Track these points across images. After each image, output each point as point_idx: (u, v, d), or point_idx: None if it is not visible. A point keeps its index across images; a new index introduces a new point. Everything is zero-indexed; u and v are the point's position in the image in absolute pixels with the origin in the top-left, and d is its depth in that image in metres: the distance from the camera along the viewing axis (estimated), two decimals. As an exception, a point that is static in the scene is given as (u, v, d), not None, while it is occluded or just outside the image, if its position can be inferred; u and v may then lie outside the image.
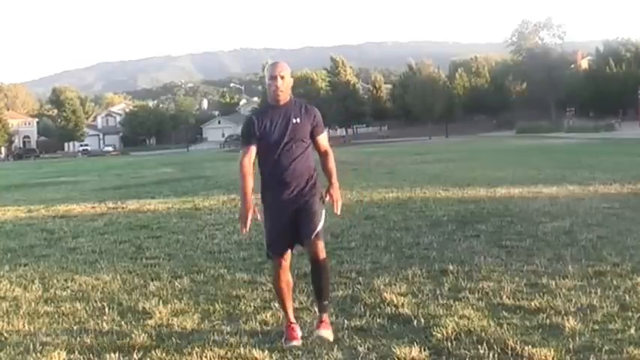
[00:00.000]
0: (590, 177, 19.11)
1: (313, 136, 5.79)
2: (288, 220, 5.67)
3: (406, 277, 7.80)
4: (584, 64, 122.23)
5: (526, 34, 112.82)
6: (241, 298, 7.25)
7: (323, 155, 5.91)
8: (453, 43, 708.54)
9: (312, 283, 5.99)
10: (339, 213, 5.87)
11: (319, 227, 5.65)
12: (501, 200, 14.75)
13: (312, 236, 5.61)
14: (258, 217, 5.79)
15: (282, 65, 5.77)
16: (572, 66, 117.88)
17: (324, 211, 5.77)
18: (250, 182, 5.73)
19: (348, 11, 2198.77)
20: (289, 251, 5.80)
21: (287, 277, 5.84)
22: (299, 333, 5.78)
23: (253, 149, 5.73)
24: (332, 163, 5.90)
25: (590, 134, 65.63)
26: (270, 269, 8.33)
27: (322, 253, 5.69)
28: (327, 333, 5.65)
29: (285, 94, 5.70)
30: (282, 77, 5.66)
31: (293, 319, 5.87)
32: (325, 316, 5.83)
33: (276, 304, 6.56)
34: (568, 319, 5.80)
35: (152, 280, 8.38)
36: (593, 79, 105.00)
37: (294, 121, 5.66)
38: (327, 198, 5.81)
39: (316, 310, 6.01)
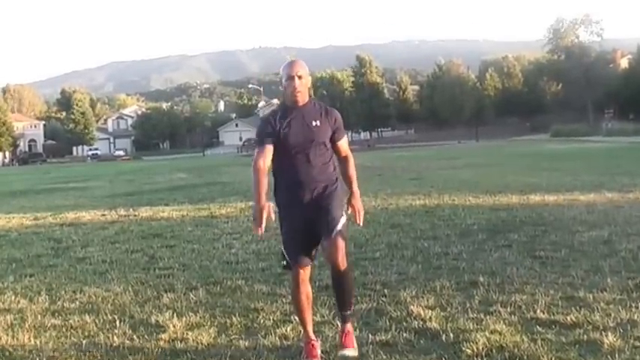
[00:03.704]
0: (631, 183, 19.02)
1: (333, 141, 5.74)
2: (303, 224, 5.58)
3: (434, 289, 7.79)
4: (623, 63, 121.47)
5: (562, 32, 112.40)
6: (260, 311, 7.25)
7: (343, 160, 5.85)
8: (483, 41, 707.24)
9: (335, 292, 5.92)
10: (361, 224, 5.85)
11: (339, 226, 5.54)
12: (535, 208, 14.70)
13: (332, 235, 5.50)
14: (273, 217, 5.62)
15: (299, 64, 5.68)
16: (611, 65, 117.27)
17: (344, 216, 5.70)
18: (264, 182, 5.58)
19: (373, 8, 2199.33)
20: (309, 261, 5.70)
21: (306, 290, 5.73)
22: (319, 351, 5.73)
23: (269, 150, 5.64)
24: (353, 169, 5.85)
25: (631, 138, 65.19)
26: (290, 280, 8.39)
27: (343, 263, 5.56)
28: (351, 352, 5.61)
29: (303, 94, 5.61)
30: (300, 77, 5.57)
31: (312, 336, 5.81)
32: (348, 327, 5.76)
33: (297, 318, 6.57)
34: (607, 335, 5.76)
35: (166, 292, 8.39)
36: (633, 78, 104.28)
37: (314, 124, 5.59)
38: (349, 210, 5.78)
39: (339, 322, 5.99)
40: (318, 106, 5.75)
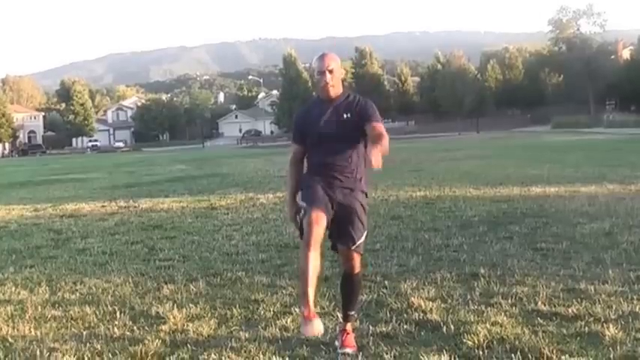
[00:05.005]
0: (632, 175, 19.01)
1: (367, 126, 5.42)
2: (325, 193, 5.40)
3: (435, 281, 7.80)
4: (625, 54, 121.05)
5: (564, 23, 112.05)
6: (260, 302, 7.25)
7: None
8: (484, 33, 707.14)
9: (342, 291, 5.92)
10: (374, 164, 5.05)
11: (360, 240, 5.57)
12: (536, 200, 14.70)
13: (352, 248, 5.55)
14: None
15: (330, 57, 5.57)
16: (613, 57, 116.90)
17: (366, 232, 5.68)
18: (295, 186, 5.70)
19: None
20: (324, 209, 5.31)
21: (317, 261, 5.16)
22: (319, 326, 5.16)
23: (301, 148, 5.71)
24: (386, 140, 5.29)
25: (632, 129, 65.13)
26: (290, 272, 8.39)
27: (358, 267, 5.67)
28: (351, 350, 5.57)
29: (336, 88, 5.54)
30: (332, 71, 5.49)
31: (313, 308, 5.14)
32: (349, 327, 5.76)
33: (297, 309, 6.56)
34: (608, 327, 5.77)
35: (166, 284, 8.40)
36: (635, 70, 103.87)
37: (345, 116, 5.50)
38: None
39: (340, 316, 5.99)
40: (352, 97, 5.66)
